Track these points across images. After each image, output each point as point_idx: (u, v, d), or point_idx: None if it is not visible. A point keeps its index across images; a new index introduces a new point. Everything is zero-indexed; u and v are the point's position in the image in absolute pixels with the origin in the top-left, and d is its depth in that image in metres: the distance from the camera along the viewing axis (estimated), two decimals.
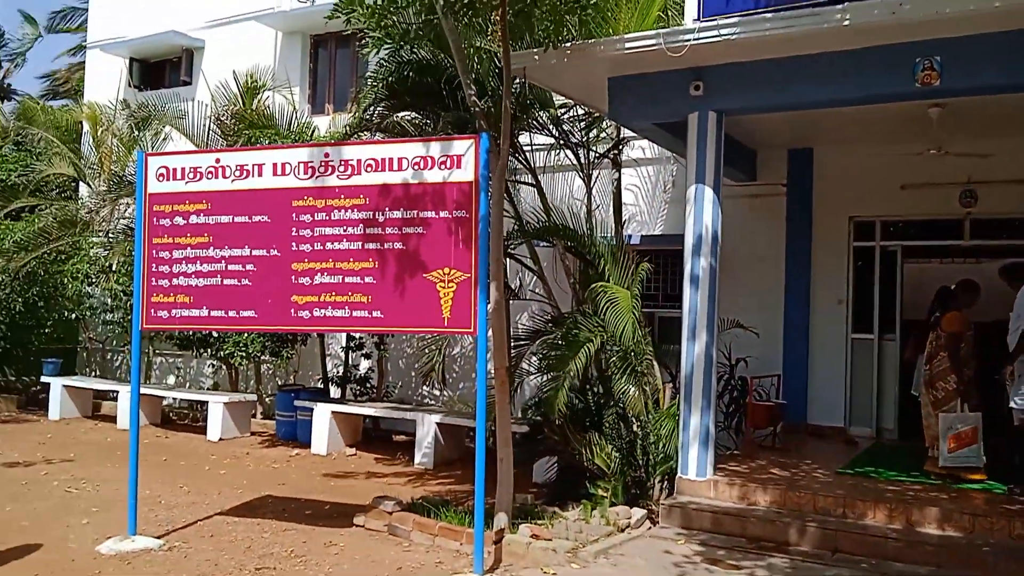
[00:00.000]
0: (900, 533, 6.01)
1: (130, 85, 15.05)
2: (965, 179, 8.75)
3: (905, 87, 6.28)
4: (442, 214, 5.78)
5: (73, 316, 13.72)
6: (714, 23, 6.52)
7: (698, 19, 6.94)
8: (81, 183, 14.64)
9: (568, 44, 6.80)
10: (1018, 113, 7.79)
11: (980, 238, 9.15)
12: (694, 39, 6.46)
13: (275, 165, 6.23)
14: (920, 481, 7.08)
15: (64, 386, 12.79)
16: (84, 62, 16.89)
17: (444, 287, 5.71)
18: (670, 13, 8.03)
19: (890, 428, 9.39)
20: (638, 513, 6.72)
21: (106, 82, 15.22)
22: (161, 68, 15.22)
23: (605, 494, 7.00)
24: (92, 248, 13.25)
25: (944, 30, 5.97)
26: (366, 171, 6.03)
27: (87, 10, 17.30)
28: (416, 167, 5.87)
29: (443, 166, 5.80)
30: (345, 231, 6.03)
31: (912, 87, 6.24)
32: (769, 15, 6.34)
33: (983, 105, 7.47)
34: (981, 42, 5.96)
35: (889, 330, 9.49)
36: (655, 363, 7.56)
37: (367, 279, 5.95)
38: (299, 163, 6.18)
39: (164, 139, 13.47)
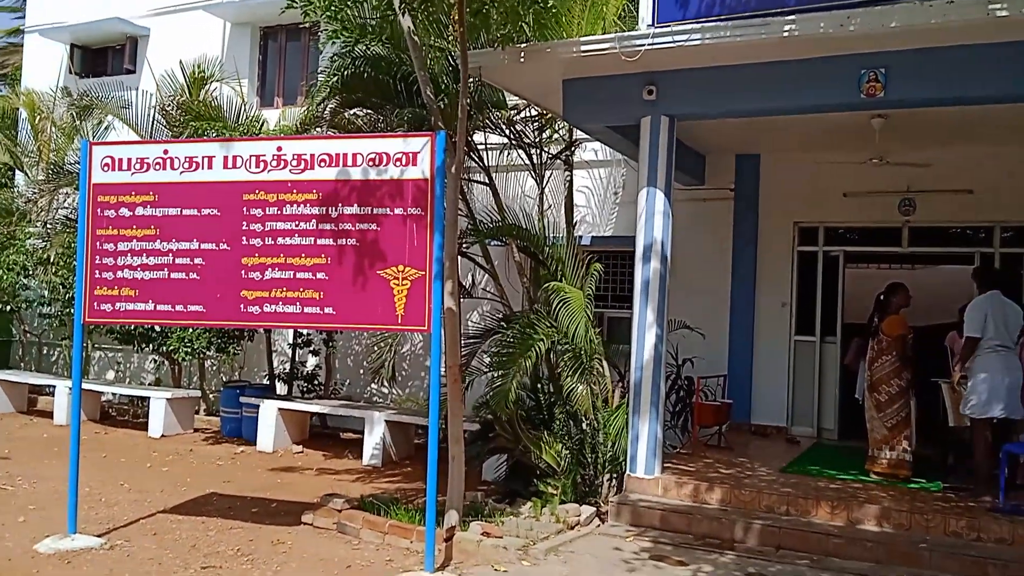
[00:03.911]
0: (841, 530, 6.19)
1: (71, 72, 14.60)
2: (904, 188, 9.05)
3: (850, 97, 6.46)
4: (397, 211, 5.75)
5: (8, 309, 13.27)
6: (668, 29, 6.62)
7: (652, 25, 7.05)
8: (18, 171, 14.19)
9: (524, 45, 6.83)
10: (956, 125, 8.09)
11: (917, 245, 9.45)
12: (648, 44, 6.55)
13: (226, 158, 6.13)
14: (860, 480, 7.30)
15: None
16: (20, 44, 16.37)
17: (398, 284, 5.69)
18: (626, 19, 8.11)
19: (830, 428, 9.64)
20: (588, 511, 6.79)
21: (46, 68, 14.75)
22: (104, 55, 14.81)
23: (555, 492, 7.05)
24: (29, 239, 12.86)
25: (889, 43, 6.16)
26: (319, 166, 5.96)
27: None
28: (371, 163, 5.83)
29: (398, 163, 5.76)
30: (297, 226, 5.95)
31: (857, 98, 6.43)
32: (721, 23, 6.47)
33: (923, 117, 7.72)
34: (924, 56, 6.17)
35: (830, 333, 9.75)
36: (605, 362, 7.64)
37: (319, 275, 5.88)
38: (250, 156, 6.09)
39: (107, 128, 13.12)
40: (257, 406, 10.50)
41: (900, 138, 8.35)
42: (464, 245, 8.96)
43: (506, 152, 9.86)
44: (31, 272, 12.65)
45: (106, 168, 6.30)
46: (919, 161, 8.56)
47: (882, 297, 7.66)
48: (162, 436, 10.82)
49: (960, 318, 7.19)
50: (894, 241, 9.52)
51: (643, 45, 6.55)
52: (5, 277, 12.57)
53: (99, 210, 6.29)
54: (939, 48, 6.09)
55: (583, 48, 6.84)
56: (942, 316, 8.77)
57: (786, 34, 6.15)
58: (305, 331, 11.37)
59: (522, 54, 6.88)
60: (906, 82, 6.30)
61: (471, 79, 7.45)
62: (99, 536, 6.15)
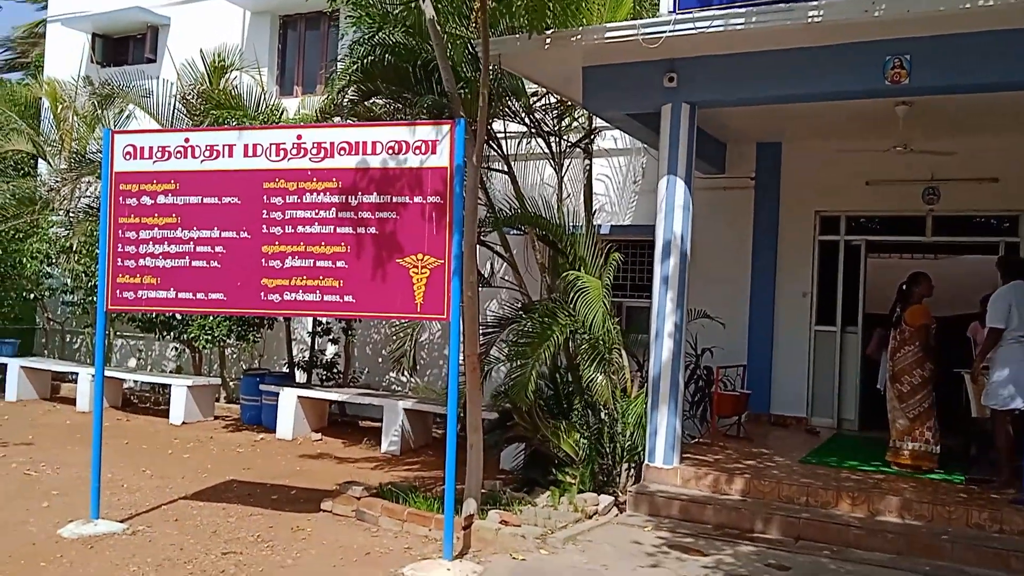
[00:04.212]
0: (862, 521, 6.14)
1: (92, 61, 14.71)
2: (928, 176, 8.94)
3: (875, 84, 6.38)
4: (416, 199, 5.74)
5: (31, 296, 13.42)
6: (689, 15, 6.56)
7: (674, 11, 6.97)
8: (40, 160, 14.31)
9: (546, 32, 6.80)
10: (981, 113, 7.97)
11: (941, 234, 9.35)
12: (670, 31, 6.50)
13: (246, 146, 6.15)
14: (881, 471, 7.24)
15: (22, 367, 12.54)
16: (43, 33, 16.49)
17: (417, 273, 5.69)
18: (647, 7, 8.05)
19: (850, 419, 9.58)
20: (605, 500, 6.79)
21: (67, 57, 14.88)
22: (125, 44, 14.91)
23: (573, 481, 7.05)
24: (52, 227, 12.99)
25: (914, 29, 6.07)
26: (339, 154, 5.96)
27: None
28: (391, 151, 5.82)
29: (418, 151, 5.76)
30: (317, 215, 5.97)
31: (882, 84, 6.35)
32: (743, 10, 6.39)
33: (947, 104, 7.62)
34: (949, 42, 6.08)
35: (851, 323, 9.66)
36: (623, 352, 7.61)
37: (339, 263, 5.90)
38: (271, 144, 6.10)
39: (128, 117, 13.20)
40: (277, 394, 10.57)
41: (924, 125, 8.25)
42: (483, 234, 8.94)
43: (525, 140, 9.83)
44: (54, 260, 12.79)
45: (128, 156, 6.34)
46: (943, 149, 8.44)
47: (904, 287, 7.58)
48: (183, 423, 10.93)
49: (983, 308, 7.11)
50: (917, 230, 9.41)
51: (664, 32, 6.50)
52: (29, 265, 12.72)
53: (121, 198, 6.33)
54: (965, 34, 5.99)
55: (605, 35, 6.79)
56: (965, 306, 8.67)
57: (810, 20, 6.07)
58: (324, 320, 11.42)
59: (547, 41, 6.85)
60: (931, 68, 6.21)
61: (491, 67, 7.43)
62: (121, 522, 6.22)
